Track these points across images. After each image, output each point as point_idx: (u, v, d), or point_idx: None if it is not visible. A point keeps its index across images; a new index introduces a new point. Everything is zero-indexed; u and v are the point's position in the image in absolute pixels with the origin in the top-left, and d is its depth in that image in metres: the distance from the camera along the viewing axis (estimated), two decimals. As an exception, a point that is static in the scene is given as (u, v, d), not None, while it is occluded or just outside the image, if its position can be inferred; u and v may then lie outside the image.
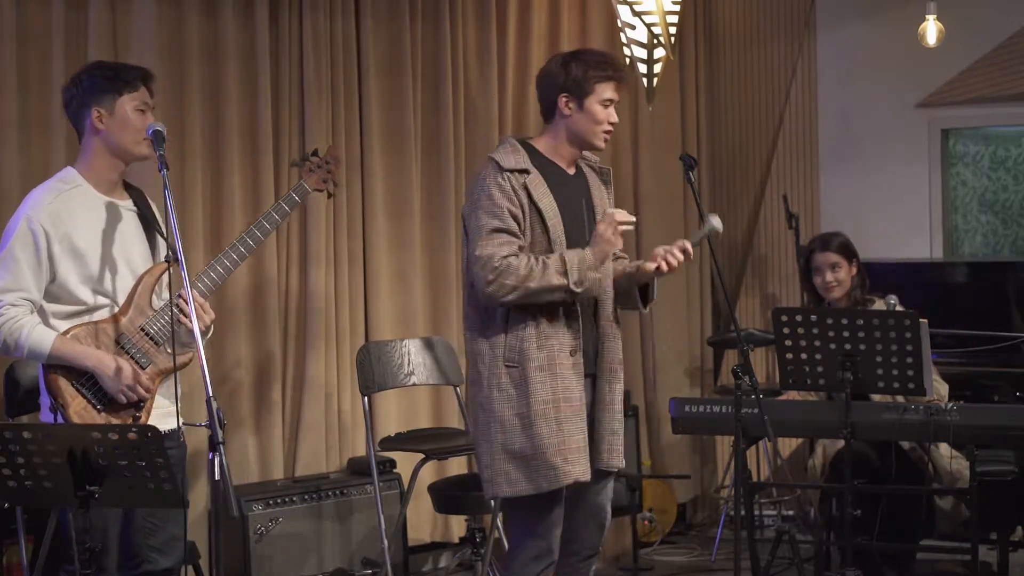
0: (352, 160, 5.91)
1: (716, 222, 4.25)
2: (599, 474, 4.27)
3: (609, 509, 4.39)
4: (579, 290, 4.08)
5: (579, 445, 4.13)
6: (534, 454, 4.10)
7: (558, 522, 4.21)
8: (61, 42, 5.08)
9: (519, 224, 4.14)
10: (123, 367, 3.78)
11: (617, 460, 4.27)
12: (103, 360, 3.78)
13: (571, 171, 4.32)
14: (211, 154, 5.50)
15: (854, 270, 5.40)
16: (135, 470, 3.39)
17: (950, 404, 4.99)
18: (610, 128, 4.27)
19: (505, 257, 4.06)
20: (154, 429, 3.34)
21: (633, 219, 4.20)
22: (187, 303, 3.80)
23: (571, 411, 4.13)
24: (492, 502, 5.14)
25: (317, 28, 5.74)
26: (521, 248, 4.12)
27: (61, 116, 5.00)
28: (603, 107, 4.24)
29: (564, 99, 4.24)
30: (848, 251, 5.40)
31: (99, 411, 3.79)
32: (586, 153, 4.41)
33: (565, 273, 4.06)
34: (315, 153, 4.41)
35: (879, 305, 5.24)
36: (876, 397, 5.06)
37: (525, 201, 4.15)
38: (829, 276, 5.37)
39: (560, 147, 4.30)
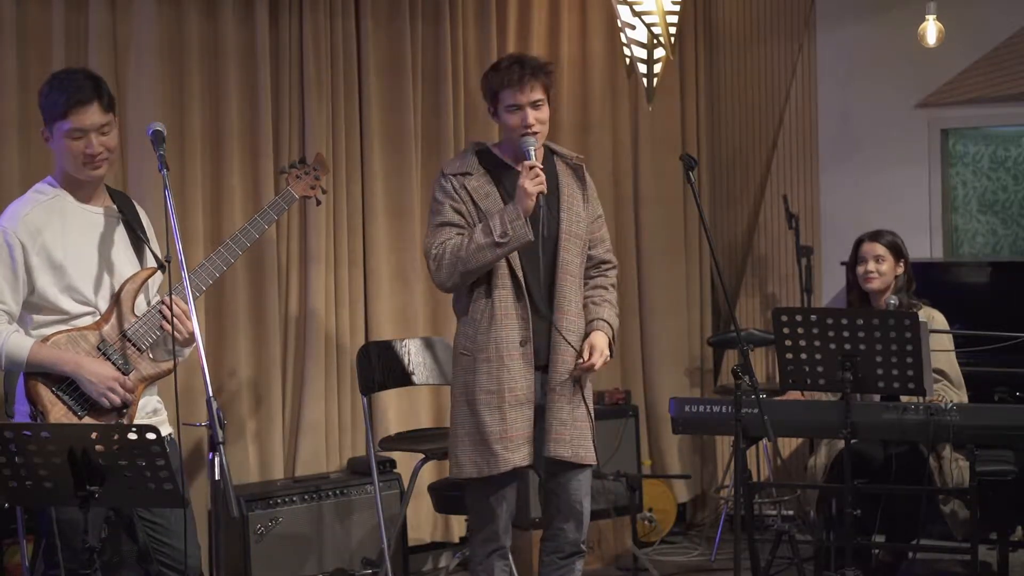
0: (352, 160, 5.92)
1: (529, 142, 4.32)
2: (564, 465, 4.40)
3: (586, 504, 4.50)
4: (505, 240, 4.24)
5: (521, 433, 4.32)
6: (480, 440, 4.32)
7: (504, 508, 4.41)
8: (61, 42, 5.08)
9: (464, 216, 4.35)
10: (102, 370, 3.77)
11: (563, 450, 4.36)
12: (81, 364, 3.76)
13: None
14: (211, 154, 5.50)
15: (899, 269, 5.44)
16: (135, 470, 3.39)
17: (950, 404, 4.99)
18: (528, 130, 4.32)
19: (441, 243, 4.31)
20: (154, 429, 3.34)
21: (536, 164, 4.27)
22: (170, 310, 3.80)
23: (515, 400, 4.32)
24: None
25: (317, 28, 5.74)
26: (461, 236, 4.32)
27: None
28: (510, 113, 4.35)
29: (490, 109, 4.42)
30: (896, 249, 5.44)
31: (80, 418, 3.76)
32: (561, 149, 4.56)
33: (490, 231, 4.24)
34: (302, 160, 4.42)
35: (925, 313, 5.26)
36: (904, 398, 5.05)
37: (468, 199, 4.35)
38: (871, 266, 5.40)
39: (505, 149, 4.45)
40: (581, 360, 4.35)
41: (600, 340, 4.40)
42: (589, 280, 4.53)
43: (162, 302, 3.86)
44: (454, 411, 4.42)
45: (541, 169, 4.26)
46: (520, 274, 4.33)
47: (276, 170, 5.51)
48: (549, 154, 4.50)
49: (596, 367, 4.39)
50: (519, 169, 4.34)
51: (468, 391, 4.35)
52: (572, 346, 4.35)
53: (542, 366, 4.38)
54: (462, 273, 4.31)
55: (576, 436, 4.38)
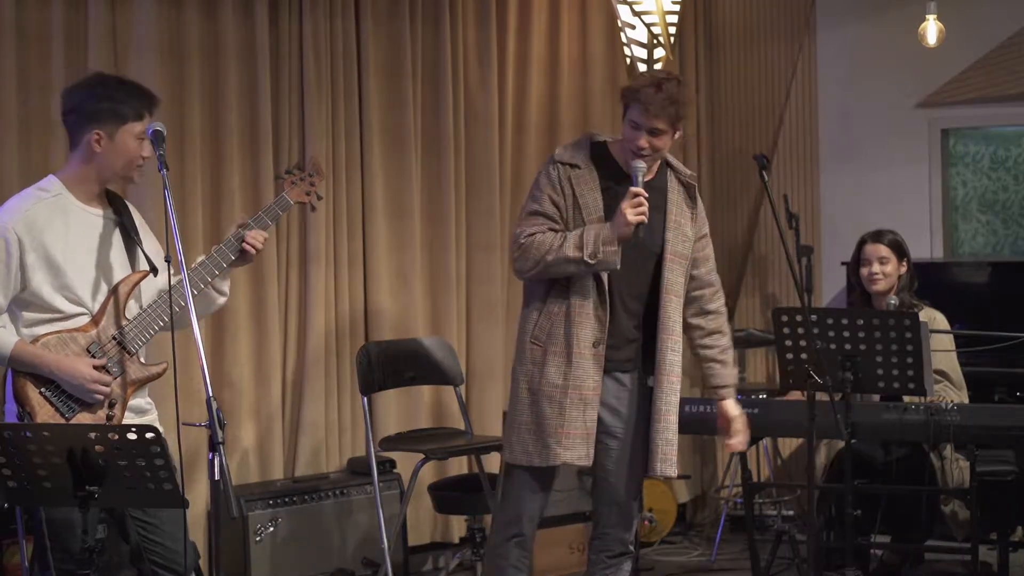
0: (352, 160, 5.91)
1: (639, 168, 4.29)
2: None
3: (635, 505, 4.50)
4: (593, 262, 4.22)
5: (579, 432, 4.29)
6: (536, 430, 4.31)
7: (537, 500, 4.41)
8: (61, 42, 5.08)
9: (560, 211, 4.31)
10: (79, 367, 3.75)
11: (669, 468, 4.38)
12: (62, 364, 3.74)
13: (646, 177, 4.35)
14: (211, 154, 5.50)
15: (903, 269, 5.45)
16: (135, 470, 3.39)
17: (950, 404, 4.99)
18: (638, 151, 4.29)
19: (531, 235, 4.26)
20: (154, 429, 3.34)
21: (641, 192, 4.23)
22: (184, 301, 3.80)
23: (578, 398, 4.29)
24: (491, 503, 5.22)
25: (317, 28, 5.74)
26: (554, 231, 4.28)
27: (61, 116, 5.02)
28: (630, 127, 4.31)
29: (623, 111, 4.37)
30: (899, 248, 5.46)
31: (67, 420, 3.76)
32: (677, 164, 4.51)
33: (580, 247, 4.21)
34: (298, 166, 4.39)
35: (926, 313, 5.27)
36: (905, 398, 5.05)
37: (570, 193, 4.32)
38: (876, 268, 5.41)
39: (619, 149, 4.39)
40: (726, 438, 4.48)
41: (737, 413, 4.46)
42: (703, 314, 4.49)
43: (240, 237, 3.98)
44: (515, 396, 4.39)
45: (645, 198, 4.22)
46: (604, 277, 4.29)
47: (275, 172, 5.50)
48: (664, 168, 4.45)
49: (743, 448, 4.53)
50: (628, 173, 4.32)
51: (532, 381, 4.32)
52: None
53: (613, 371, 4.36)
54: (541, 272, 4.29)
55: (675, 454, 4.41)
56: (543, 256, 4.24)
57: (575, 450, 4.29)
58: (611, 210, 4.28)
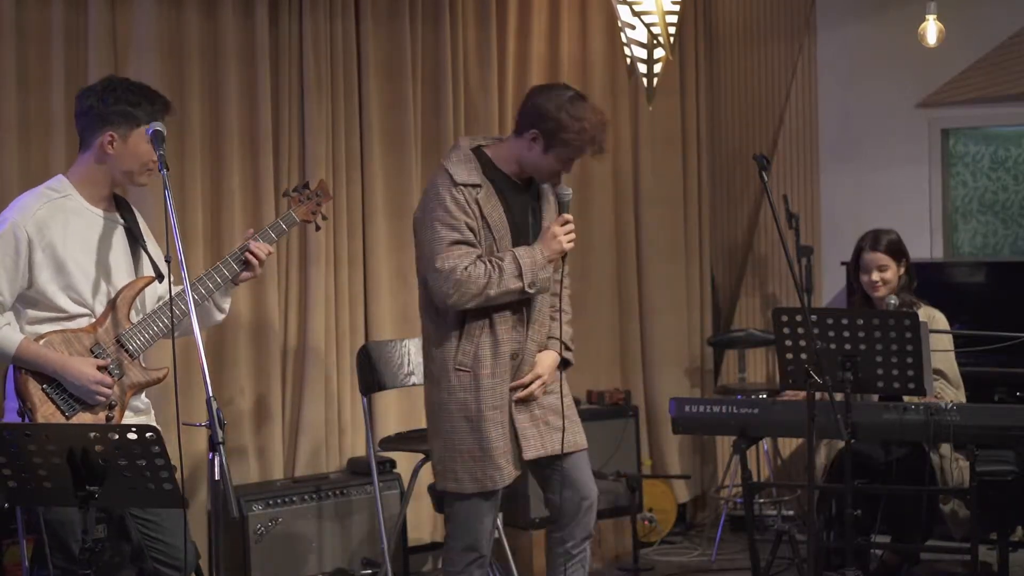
0: (352, 160, 5.91)
1: (568, 195, 4.36)
2: (554, 456, 4.38)
3: (593, 485, 4.46)
4: (532, 291, 4.25)
5: (512, 445, 4.33)
6: (482, 456, 4.28)
7: (491, 519, 4.40)
8: (61, 42, 5.08)
9: (475, 234, 4.27)
10: (85, 369, 3.77)
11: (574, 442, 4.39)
12: (65, 364, 3.77)
13: (520, 181, 4.40)
14: (211, 154, 5.50)
15: (902, 270, 5.44)
16: (135, 470, 3.39)
17: (950, 404, 5.00)
18: (557, 176, 4.37)
19: (466, 268, 4.21)
20: (154, 429, 3.34)
21: (571, 219, 4.31)
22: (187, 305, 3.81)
23: (510, 414, 4.31)
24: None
25: (317, 28, 5.74)
26: (479, 257, 4.25)
27: (61, 116, 5.02)
28: (557, 161, 4.31)
29: (533, 135, 4.30)
30: (897, 251, 5.44)
31: (67, 418, 3.78)
32: None
33: (520, 276, 4.22)
34: (306, 186, 4.44)
35: (925, 312, 5.27)
36: (905, 398, 5.04)
37: (478, 215, 4.28)
38: (876, 276, 5.41)
39: (512, 163, 4.37)
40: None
41: (545, 363, 4.39)
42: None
43: (245, 248, 4.01)
44: (448, 426, 4.32)
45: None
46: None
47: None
48: None
49: (532, 391, 4.35)
50: (517, 182, 4.35)
51: (468, 408, 4.28)
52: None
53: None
54: (481, 304, 4.25)
55: (550, 429, 4.38)
56: (483, 290, 4.21)
57: (517, 463, 4.34)
58: (516, 226, 4.31)
